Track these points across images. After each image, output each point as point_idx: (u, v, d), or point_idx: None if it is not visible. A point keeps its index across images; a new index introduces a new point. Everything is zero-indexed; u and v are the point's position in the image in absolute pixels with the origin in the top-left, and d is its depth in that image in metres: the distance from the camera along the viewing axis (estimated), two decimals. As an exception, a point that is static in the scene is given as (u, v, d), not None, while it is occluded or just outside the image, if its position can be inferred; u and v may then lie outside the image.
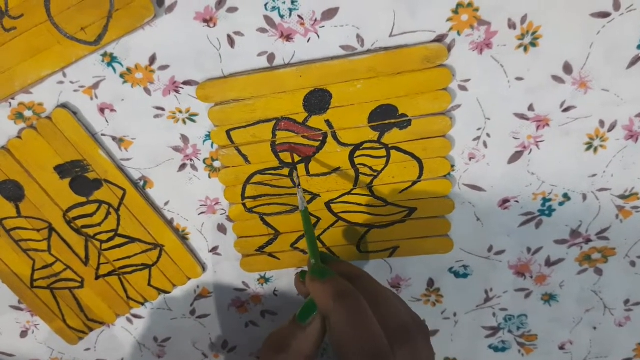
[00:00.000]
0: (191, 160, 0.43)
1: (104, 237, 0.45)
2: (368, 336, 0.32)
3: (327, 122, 0.40)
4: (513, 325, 0.49)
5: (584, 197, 0.42)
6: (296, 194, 0.43)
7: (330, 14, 0.37)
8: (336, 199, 0.43)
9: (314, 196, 0.43)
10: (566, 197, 0.42)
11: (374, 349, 0.32)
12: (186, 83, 0.40)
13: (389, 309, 0.35)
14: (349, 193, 0.43)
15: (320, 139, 0.41)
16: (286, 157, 0.41)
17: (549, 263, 0.46)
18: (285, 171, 0.42)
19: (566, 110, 0.39)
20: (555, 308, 0.48)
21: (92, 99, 0.41)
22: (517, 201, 0.43)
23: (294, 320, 0.37)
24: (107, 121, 0.42)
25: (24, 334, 0.52)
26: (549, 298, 0.48)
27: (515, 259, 0.46)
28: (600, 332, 0.49)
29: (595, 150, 0.40)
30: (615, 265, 0.45)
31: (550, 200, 0.43)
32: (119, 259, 0.46)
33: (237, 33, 0.38)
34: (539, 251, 0.45)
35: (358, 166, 0.42)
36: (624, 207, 0.43)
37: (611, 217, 0.43)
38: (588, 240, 0.44)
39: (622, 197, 0.42)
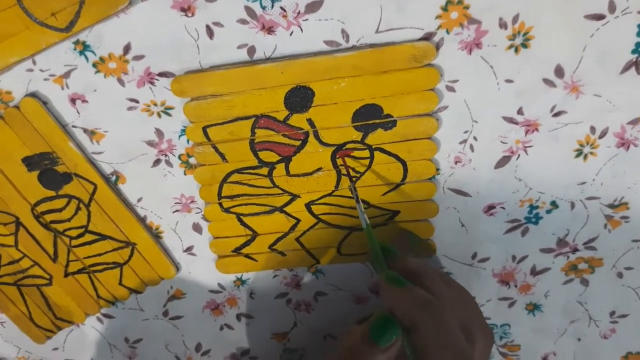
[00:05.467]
0: (166, 155, 0.41)
1: (73, 233, 0.44)
2: (456, 341, 0.33)
3: (309, 120, 0.39)
4: (496, 335, 0.49)
5: (572, 205, 0.41)
6: (274, 194, 0.41)
7: (314, 6, 0.35)
8: (317, 200, 0.42)
9: (294, 197, 0.42)
10: (554, 204, 0.41)
11: (463, 354, 0.33)
12: (162, 75, 0.38)
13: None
14: (330, 194, 0.42)
15: (302, 138, 0.39)
16: (267, 156, 0.40)
17: (534, 272, 0.45)
18: (264, 170, 0.41)
19: (556, 115, 0.38)
20: (539, 318, 0.47)
21: (62, 88, 0.39)
22: (503, 207, 0.42)
23: (368, 337, 0.34)
24: (78, 112, 0.40)
25: (-11, 332, 0.51)
26: (533, 308, 0.47)
27: (499, 267, 0.45)
28: (584, 344, 0.48)
29: (585, 157, 0.39)
30: (601, 276, 0.45)
31: (537, 207, 0.42)
32: (89, 257, 0.45)
33: (217, 24, 0.36)
34: (524, 259, 0.44)
35: (340, 167, 0.40)
36: (613, 217, 0.42)
37: (599, 226, 0.42)
38: (575, 250, 0.43)
39: (611, 206, 0.41)
